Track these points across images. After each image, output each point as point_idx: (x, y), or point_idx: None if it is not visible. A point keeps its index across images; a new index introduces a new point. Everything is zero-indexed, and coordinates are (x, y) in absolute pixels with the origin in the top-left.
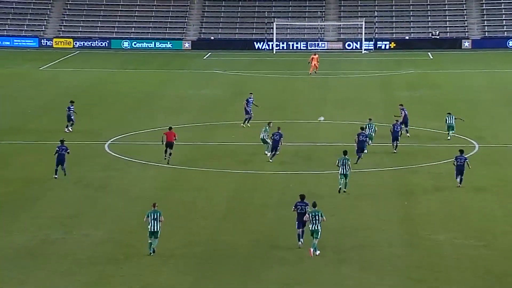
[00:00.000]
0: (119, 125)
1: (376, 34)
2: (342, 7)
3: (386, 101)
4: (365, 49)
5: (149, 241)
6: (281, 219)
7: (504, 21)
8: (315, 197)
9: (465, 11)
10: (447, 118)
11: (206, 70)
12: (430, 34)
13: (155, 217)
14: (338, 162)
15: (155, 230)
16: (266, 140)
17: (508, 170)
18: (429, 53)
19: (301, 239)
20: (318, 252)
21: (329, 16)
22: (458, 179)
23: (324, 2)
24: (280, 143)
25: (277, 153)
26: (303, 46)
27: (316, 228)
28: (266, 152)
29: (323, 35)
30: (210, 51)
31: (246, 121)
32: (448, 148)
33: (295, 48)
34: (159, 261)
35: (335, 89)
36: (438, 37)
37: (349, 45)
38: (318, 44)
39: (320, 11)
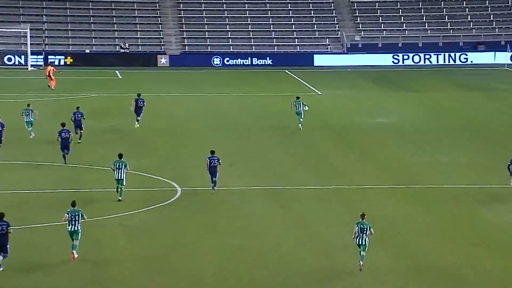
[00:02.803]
0: None
1: (47, 46)
2: None
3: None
4: (32, 65)
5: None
6: None
7: (207, 32)
8: None
9: (160, 18)
10: (296, 104)
11: None
12: (119, 47)
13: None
14: (113, 165)
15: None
16: None
17: (215, 219)
18: (117, 71)
19: None
20: None
21: None
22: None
23: None
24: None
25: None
26: None
27: (76, 229)
28: None
29: None
30: None
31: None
32: (145, 193)
33: None
34: None
35: None
36: (128, 51)
37: (10, 60)
38: None
39: None
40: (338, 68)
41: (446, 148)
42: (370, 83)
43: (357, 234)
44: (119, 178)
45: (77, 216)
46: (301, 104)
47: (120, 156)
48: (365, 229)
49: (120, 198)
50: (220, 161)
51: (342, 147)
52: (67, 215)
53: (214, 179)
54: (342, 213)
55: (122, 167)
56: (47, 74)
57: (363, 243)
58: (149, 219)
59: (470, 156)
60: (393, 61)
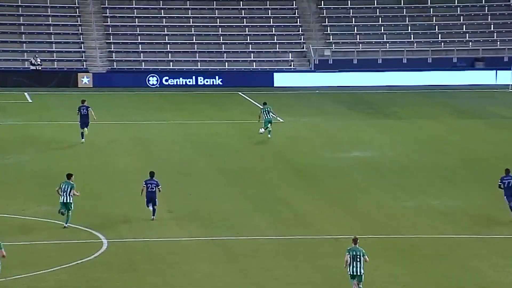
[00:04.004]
0: None
1: None
2: None
3: None
4: None
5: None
6: None
7: (140, 45)
8: None
9: (80, 28)
10: (264, 112)
11: None
12: (28, 63)
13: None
14: (59, 187)
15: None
16: None
17: (149, 278)
18: (26, 93)
19: None
20: None
21: None
22: (151, 208)
23: None
24: None
25: None
26: None
27: None
28: None
29: None
30: None
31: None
32: (62, 247)
33: None
34: None
35: None
36: (40, 68)
37: None
38: None
39: None
40: (304, 89)
41: (437, 189)
42: (343, 108)
43: (349, 263)
44: (65, 201)
45: None
46: (270, 111)
47: (68, 176)
48: (357, 256)
49: (65, 225)
50: (160, 186)
51: (308, 188)
52: None
53: (154, 207)
54: (308, 271)
55: (68, 189)
56: None
57: (358, 273)
58: (66, 280)
59: (467, 198)
60: (371, 81)
